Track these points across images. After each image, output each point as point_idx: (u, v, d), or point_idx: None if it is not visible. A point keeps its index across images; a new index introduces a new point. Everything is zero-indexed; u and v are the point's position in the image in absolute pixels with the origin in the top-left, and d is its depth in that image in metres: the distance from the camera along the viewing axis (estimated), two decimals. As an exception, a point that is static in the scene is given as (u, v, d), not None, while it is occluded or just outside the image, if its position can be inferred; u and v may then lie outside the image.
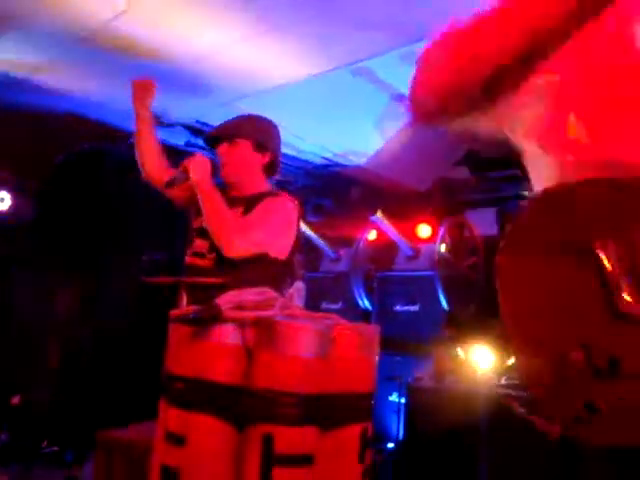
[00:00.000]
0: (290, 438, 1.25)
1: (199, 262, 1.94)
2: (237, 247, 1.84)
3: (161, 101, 4.99)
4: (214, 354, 1.26)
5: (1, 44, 4.12)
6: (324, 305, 5.74)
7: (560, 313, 0.86)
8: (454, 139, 6.03)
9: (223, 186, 2.24)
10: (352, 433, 1.35)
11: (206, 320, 1.24)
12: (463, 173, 6.26)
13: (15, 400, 4.55)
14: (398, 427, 4.76)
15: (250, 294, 1.34)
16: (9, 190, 5.42)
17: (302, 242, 5.86)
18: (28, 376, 4.60)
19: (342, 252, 5.97)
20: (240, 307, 1.29)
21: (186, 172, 1.99)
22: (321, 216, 5.92)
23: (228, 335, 1.26)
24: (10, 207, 5.39)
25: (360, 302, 5.67)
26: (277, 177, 2.48)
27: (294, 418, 1.26)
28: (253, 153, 2.22)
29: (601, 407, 0.79)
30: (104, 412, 3.94)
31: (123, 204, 5.11)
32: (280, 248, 1.98)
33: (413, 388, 4.34)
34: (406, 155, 5.88)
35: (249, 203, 2.10)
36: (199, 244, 2.01)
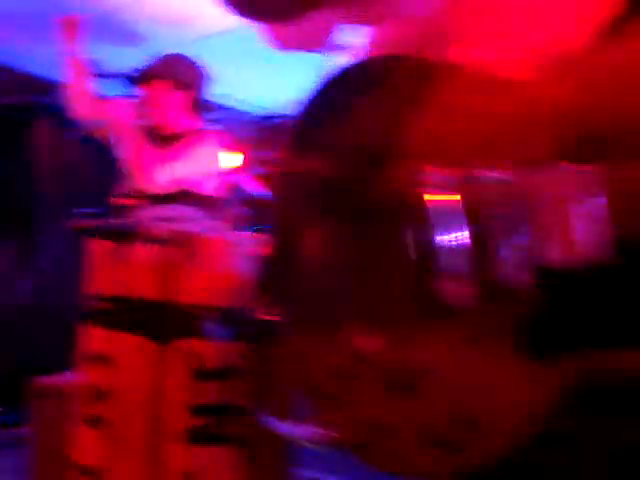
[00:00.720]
0: (213, 352, 1.26)
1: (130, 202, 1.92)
2: (160, 182, 1.84)
3: (98, 52, 4.84)
4: (136, 272, 1.25)
5: None
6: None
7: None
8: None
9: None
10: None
11: (122, 236, 1.22)
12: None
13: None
14: None
15: (170, 210, 1.33)
16: None
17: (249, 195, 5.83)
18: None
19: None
20: (162, 223, 1.27)
21: None
22: (267, 169, 5.86)
23: (149, 252, 1.24)
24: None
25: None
26: (219, 127, 2.48)
27: (216, 332, 1.26)
28: (175, 92, 2.19)
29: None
30: (43, 365, 3.88)
31: (55, 158, 4.97)
32: (208, 185, 1.97)
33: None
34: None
35: (172, 140, 2.09)
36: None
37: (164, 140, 2.03)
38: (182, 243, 1.26)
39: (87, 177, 4.88)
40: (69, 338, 1.41)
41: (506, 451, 0.52)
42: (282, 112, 5.82)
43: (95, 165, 4.93)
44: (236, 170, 5.37)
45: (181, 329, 1.24)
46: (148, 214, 1.26)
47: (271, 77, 5.43)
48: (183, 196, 1.77)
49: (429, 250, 0.51)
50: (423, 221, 0.52)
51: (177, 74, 2.13)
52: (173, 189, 1.77)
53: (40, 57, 4.83)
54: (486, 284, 0.51)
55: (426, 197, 0.52)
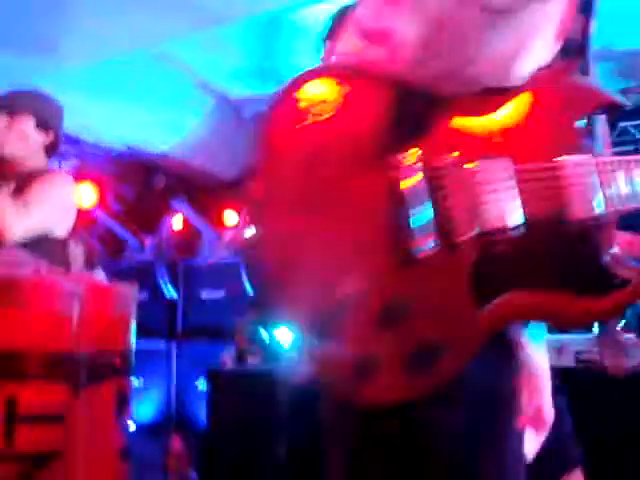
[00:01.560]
0: (35, 398, 1.22)
1: None
2: (16, 230, 1.72)
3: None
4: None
5: None
6: (129, 297, 5.58)
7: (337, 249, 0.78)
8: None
9: None
10: (107, 390, 1.35)
11: None
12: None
13: None
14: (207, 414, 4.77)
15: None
16: None
17: (103, 232, 5.68)
18: None
19: (146, 241, 5.85)
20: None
21: None
22: (123, 204, 5.73)
23: (-35, 295, 1.20)
24: None
25: (166, 291, 5.59)
26: (75, 162, 2.38)
27: (39, 377, 1.23)
28: (35, 130, 2.09)
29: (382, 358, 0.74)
30: None
31: None
32: (63, 227, 1.88)
33: (214, 373, 4.34)
34: (213, 143, 5.90)
35: (25, 181, 1.98)
36: None
37: (11, 178, 1.93)
38: (5, 285, 1.23)
39: None
40: None
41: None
42: (141, 148, 5.73)
43: None
44: (93, 205, 5.20)
45: (2, 374, 1.20)
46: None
47: (132, 112, 5.37)
48: (39, 242, 1.68)
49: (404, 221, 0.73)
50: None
51: (40, 112, 2.04)
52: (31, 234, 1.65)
53: None
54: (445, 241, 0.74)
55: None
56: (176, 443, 4.93)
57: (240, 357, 4.64)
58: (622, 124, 4.96)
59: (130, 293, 1.38)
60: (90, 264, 4.41)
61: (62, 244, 2.03)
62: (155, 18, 4.04)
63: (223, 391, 4.41)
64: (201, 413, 5.07)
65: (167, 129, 5.66)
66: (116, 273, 5.63)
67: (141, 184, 5.76)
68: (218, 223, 5.76)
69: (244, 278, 5.30)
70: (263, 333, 4.72)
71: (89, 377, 1.32)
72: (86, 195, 5.15)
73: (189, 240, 5.77)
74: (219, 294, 5.49)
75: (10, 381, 1.21)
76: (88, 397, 1.32)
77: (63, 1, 3.82)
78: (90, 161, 5.52)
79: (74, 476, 1.27)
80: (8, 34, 4.06)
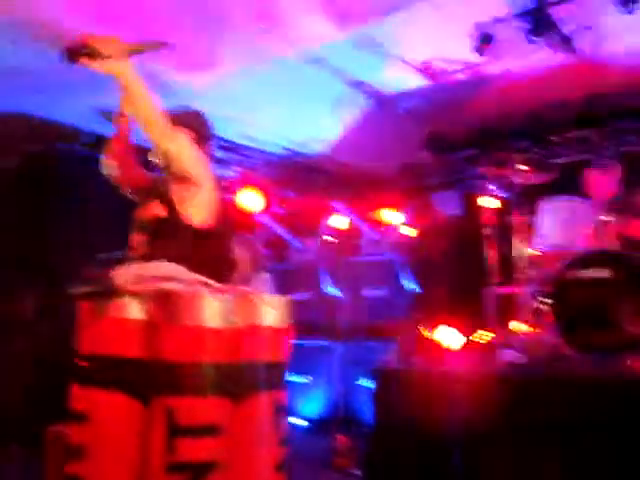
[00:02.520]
0: (194, 409, 1.25)
1: (134, 253, 1.92)
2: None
3: (115, 99, 4.96)
4: (114, 329, 1.26)
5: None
6: (294, 296, 5.73)
7: None
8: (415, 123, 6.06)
9: None
10: (263, 402, 1.35)
11: (104, 294, 1.23)
12: (427, 156, 6.28)
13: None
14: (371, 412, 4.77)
15: (150, 267, 1.34)
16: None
17: (269, 235, 5.89)
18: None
19: (308, 242, 5.98)
20: (141, 280, 1.28)
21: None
22: (285, 207, 5.91)
23: (127, 309, 1.25)
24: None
25: (328, 290, 5.67)
26: (239, 169, 2.46)
27: (197, 388, 1.25)
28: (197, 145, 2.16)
29: None
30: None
31: (79, 203, 5.08)
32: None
33: (380, 371, 4.34)
34: (368, 141, 5.89)
35: None
36: (134, 235, 1.93)
37: None
38: (164, 300, 1.27)
39: (108, 226, 4.97)
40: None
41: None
42: (303, 151, 5.85)
43: (117, 214, 5.03)
44: (259, 210, 5.38)
45: (161, 386, 1.24)
46: (131, 272, 1.27)
47: (293, 117, 5.51)
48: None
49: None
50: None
51: (198, 127, 2.12)
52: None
53: (62, 106, 4.98)
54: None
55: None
56: (342, 441, 4.99)
57: (405, 356, 4.57)
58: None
59: (286, 304, 1.37)
60: (256, 268, 4.59)
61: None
62: (307, 24, 4.10)
63: (389, 389, 4.38)
64: (367, 411, 5.09)
65: (324, 130, 5.75)
66: (280, 275, 5.82)
67: (302, 186, 5.90)
68: (378, 221, 5.74)
69: (405, 275, 5.24)
70: (426, 333, 4.62)
71: (247, 389, 1.33)
72: (252, 201, 5.34)
73: (350, 239, 5.82)
74: (381, 292, 5.47)
75: (171, 394, 1.24)
76: (246, 409, 1.33)
77: (220, 12, 3.98)
78: (253, 167, 5.75)
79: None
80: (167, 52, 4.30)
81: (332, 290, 5.72)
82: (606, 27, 4.15)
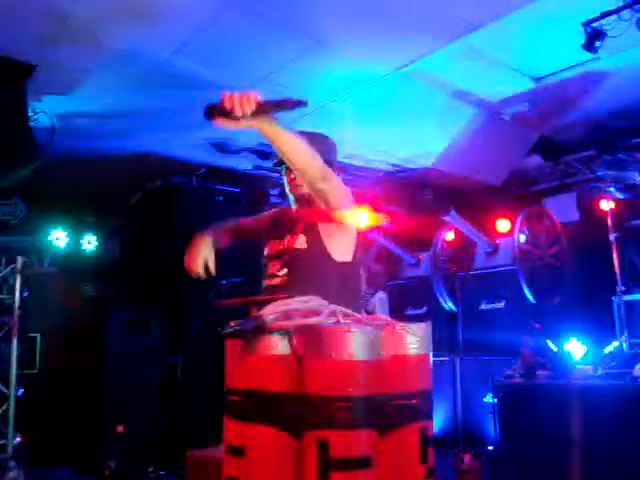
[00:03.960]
0: (345, 442, 1.26)
1: (273, 282, 2.02)
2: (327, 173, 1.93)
3: (225, 130, 5.16)
4: (264, 365, 1.29)
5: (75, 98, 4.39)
6: (409, 311, 5.71)
7: None
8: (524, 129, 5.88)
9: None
10: (411, 433, 1.34)
11: (250, 331, 1.28)
12: (537, 161, 6.08)
13: (120, 429, 4.78)
14: (495, 429, 4.64)
15: (295, 303, 1.37)
16: (96, 232, 5.74)
17: (381, 252, 5.88)
18: (128, 405, 4.82)
19: (421, 256, 5.93)
20: (286, 316, 1.31)
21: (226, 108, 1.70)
22: (395, 223, 5.89)
23: (275, 345, 1.29)
24: (98, 248, 5.71)
25: (444, 304, 5.60)
26: (349, 188, 2.50)
27: (348, 421, 1.26)
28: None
29: None
30: (197, 434, 4.07)
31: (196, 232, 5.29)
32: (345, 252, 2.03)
33: (503, 386, 4.23)
34: (476, 150, 5.78)
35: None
36: (272, 265, 2.10)
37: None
38: (311, 335, 1.29)
39: (231, 252, 5.15)
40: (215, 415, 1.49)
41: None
42: (411, 167, 5.82)
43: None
44: (370, 228, 5.40)
45: (313, 419, 1.26)
46: (277, 307, 1.31)
47: (399, 133, 5.51)
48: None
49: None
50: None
51: (325, 153, 2.11)
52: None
53: (178, 142, 5.23)
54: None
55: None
56: (466, 458, 4.88)
57: (528, 370, 4.42)
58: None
59: (426, 332, 1.36)
60: (373, 286, 4.60)
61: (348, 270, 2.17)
62: (407, 37, 4.09)
63: (512, 405, 4.26)
64: (488, 428, 4.96)
65: (430, 143, 5.70)
66: (395, 291, 5.78)
67: (411, 201, 5.86)
68: (491, 232, 5.61)
69: (523, 287, 5.08)
70: (551, 345, 4.45)
71: (395, 420, 1.33)
72: (365, 219, 5.37)
73: (463, 251, 5.72)
74: (498, 304, 5.32)
75: (322, 427, 1.26)
76: (394, 441, 1.33)
77: (314, 44, 4.05)
78: (361, 185, 5.79)
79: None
80: (270, 81, 4.42)
81: (448, 304, 5.63)
82: None
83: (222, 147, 5.11)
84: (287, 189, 2.29)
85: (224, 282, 4.26)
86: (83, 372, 5.27)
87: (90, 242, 5.75)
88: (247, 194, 5.71)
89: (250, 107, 1.69)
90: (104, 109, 4.55)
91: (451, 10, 3.79)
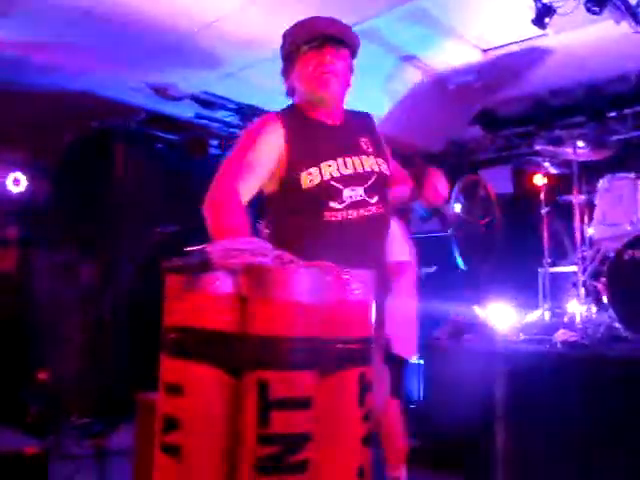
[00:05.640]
0: (286, 382, 1.26)
1: (366, 211, 1.89)
2: None
3: (167, 75, 5.01)
4: (207, 303, 1.27)
5: (6, 24, 4.14)
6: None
7: None
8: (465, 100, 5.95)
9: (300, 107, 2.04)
10: (350, 377, 1.35)
11: (196, 268, 1.25)
12: (476, 132, 6.18)
13: (42, 375, 4.66)
14: (419, 388, 4.78)
15: (243, 242, 1.34)
16: (25, 172, 5.49)
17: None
18: (53, 350, 4.71)
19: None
20: (233, 254, 1.29)
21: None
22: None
23: (220, 283, 1.26)
24: (26, 188, 5.46)
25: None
26: None
27: (289, 363, 1.26)
28: (350, 69, 2.06)
29: None
30: (129, 380, 4.01)
31: (133, 179, 5.15)
32: None
33: (430, 347, 4.35)
34: (417, 116, 5.82)
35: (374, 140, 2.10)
36: (353, 190, 1.89)
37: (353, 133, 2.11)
38: (256, 275, 1.27)
39: (161, 199, 5.05)
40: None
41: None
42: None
43: (172, 187, 5.08)
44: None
45: (254, 360, 1.25)
46: (222, 245, 1.28)
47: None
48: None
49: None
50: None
51: (356, 46, 2.12)
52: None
53: (118, 83, 5.03)
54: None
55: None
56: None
57: (454, 334, 4.56)
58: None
59: (369, 279, 1.37)
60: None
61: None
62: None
63: (437, 366, 4.39)
64: (412, 386, 5.10)
65: (373, 104, 5.69)
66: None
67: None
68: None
69: (455, 254, 5.19)
70: (479, 311, 4.59)
71: (334, 363, 1.34)
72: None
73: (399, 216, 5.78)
74: (430, 269, 5.43)
75: (263, 367, 1.25)
76: (334, 383, 1.34)
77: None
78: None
79: (322, 460, 1.30)
80: (222, 27, 4.29)
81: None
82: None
83: (163, 92, 4.95)
84: (308, 84, 1.96)
85: (159, 230, 4.17)
86: (6, 318, 5.10)
87: (18, 181, 5.51)
88: (186, 143, 5.57)
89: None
90: (39, 40, 4.32)
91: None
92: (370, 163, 1.95)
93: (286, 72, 2.05)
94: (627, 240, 4.07)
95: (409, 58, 5.00)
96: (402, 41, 4.74)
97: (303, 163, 1.87)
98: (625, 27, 4.28)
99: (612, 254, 4.18)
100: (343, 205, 1.86)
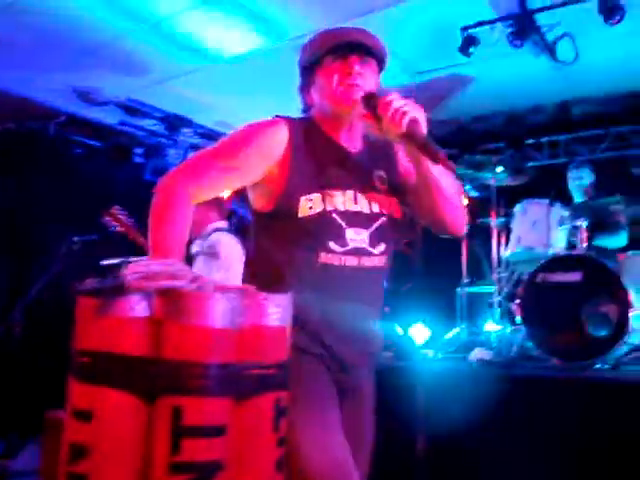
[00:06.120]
0: (200, 409, 1.24)
1: (368, 262, 1.65)
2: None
3: (93, 79, 4.87)
4: (120, 326, 1.23)
5: None
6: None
7: None
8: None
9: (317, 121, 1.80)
10: (266, 402, 1.35)
11: (110, 291, 1.21)
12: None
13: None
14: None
15: (159, 264, 1.32)
16: None
17: (238, 223, 5.84)
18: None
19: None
20: (148, 277, 1.26)
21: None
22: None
23: (134, 306, 1.23)
24: None
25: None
26: None
27: (204, 389, 1.24)
28: (378, 84, 1.81)
29: None
30: (39, 398, 3.86)
31: (49, 185, 4.97)
32: None
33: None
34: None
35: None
36: (356, 234, 1.63)
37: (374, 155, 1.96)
38: (170, 298, 1.25)
39: (80, 206, 4.89)
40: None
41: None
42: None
43: (90, 195, 4.93)
44: (231, 197, 5.37)
45: (168, 385, 1.23)
46: (138, 267, 1.26)
47: (276, 107, 5.47)
48: None
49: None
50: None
51: (385, 56, 1.92)
52: None
53: (38, 83, 4.86)
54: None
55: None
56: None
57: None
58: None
59: (287, 302, 1.37)
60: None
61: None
62: (302, 9, 4.08)
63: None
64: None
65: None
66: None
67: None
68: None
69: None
70: (398, 329, 4.67)
71: (249, 389, 1.32)
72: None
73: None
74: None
75: (176, 393, 1.23)
76: (248, 409, 1.32)
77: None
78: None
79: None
80: (151, 32, 4.24)
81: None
82: (588, 36, 4.24)
83: (87, 96, 4.81)
84: (333, 98, 1.71)
85: (76, 238, 4.03)
86: None
87: None
88: (109, 150, 5.44)
89: (400, 124, 1.55)
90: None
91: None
92: (380, 203, 1.69)
93: (304, 86, 1.82)
94: (540, 263, 4.24)
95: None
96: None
97: (304, 185, 1.61)
98: (544, 61, 4.49)
99: (526, 276, 4.35)
100: (344, 249, 1.61)
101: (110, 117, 5.47)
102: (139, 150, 5.80)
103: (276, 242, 1.65)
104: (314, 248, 1.59)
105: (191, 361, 1.24)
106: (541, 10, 4.02)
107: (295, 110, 5.77)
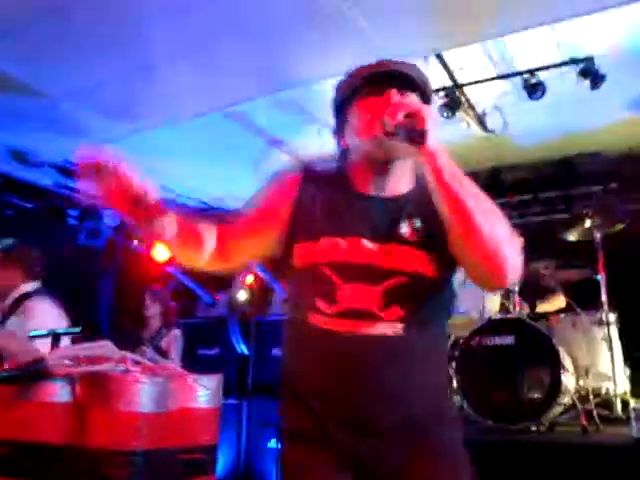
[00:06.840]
0: (123, 499, 1.19)
1: (378, 330, 1.27)
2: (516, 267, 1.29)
3: (29, 140, 4.79)
4: (40, 413, 1.18)
5: None
6: (200, 351, 5.62)
7: None
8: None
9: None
10: (194, 488, 1.30)
11: (29, 377, 1.17)
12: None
13: None
14: (277, 475, 4.68)
15: (83, 348, 1.28)
16: None
17: (176, 288, 5.77)
18: None
19: (219, 297, 5.91)
20: (72, 362, 1.22)
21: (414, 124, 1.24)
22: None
23: (55, 392, 1.18)
24: None
25: (237, 347, 5.59)
26: None
27: (127, 477, 1.19)
28: None
29: None
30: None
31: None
32: None
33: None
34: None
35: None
36: (357, 296, 1.28)
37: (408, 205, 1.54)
38: (94, 382, 1.21)
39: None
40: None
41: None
42: (215, 204, 5.81)
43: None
44: (167, 261, 5.26)
45: (90, 474, 1.17)
46: (62, 352, 1.21)
47: (212, 172, 5.49)
48: None
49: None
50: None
51: (427, 89, 1.52)
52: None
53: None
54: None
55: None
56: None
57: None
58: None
59: (216, 384, 1.34)
60: (167, 322, 4.47)
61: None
62: (231, 80, 4.15)
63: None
64: (270, 471, 4.99)
65: (242, 187, 5.75)
66: (190, 329, 5.69)
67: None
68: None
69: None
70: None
71: (176, 475, 1.28)
72: (161, 251, 5.24)
73: (261, 295, 5.80)
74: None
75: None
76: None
77: (141, 67, 3.96)
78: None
79: None
80: (88, 96, 4.23)
81: (241, 347, 5.64)
82: (513, 108, 4.47)
83: (21, 157, 4.72)
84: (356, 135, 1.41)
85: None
86: None
87: None
88: (42, 212, 5.30)
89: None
90: None
91: (278, 63, 3.91)
92: (401, 256, 1.32)
93: (339, 128, 1.53)
94: (474, 327, 4.31)
95: (276, 142, 5.15)
96: (270, 125, 4.88)
97: (302, 232, 1.37)
98: (476, 129, 4.69)
99: (461, 340, 4.41)
100: (334, 312, 1.29)
101: (44, 178, 5.36)
102: (74, 212, 5.68)
103: (287, 296, 1.46)
104: (302, 307, 1.34)
105: (115, 449, 1.19)
106: (470, 84, 4.21)
107: (231, 172, 5.75)
